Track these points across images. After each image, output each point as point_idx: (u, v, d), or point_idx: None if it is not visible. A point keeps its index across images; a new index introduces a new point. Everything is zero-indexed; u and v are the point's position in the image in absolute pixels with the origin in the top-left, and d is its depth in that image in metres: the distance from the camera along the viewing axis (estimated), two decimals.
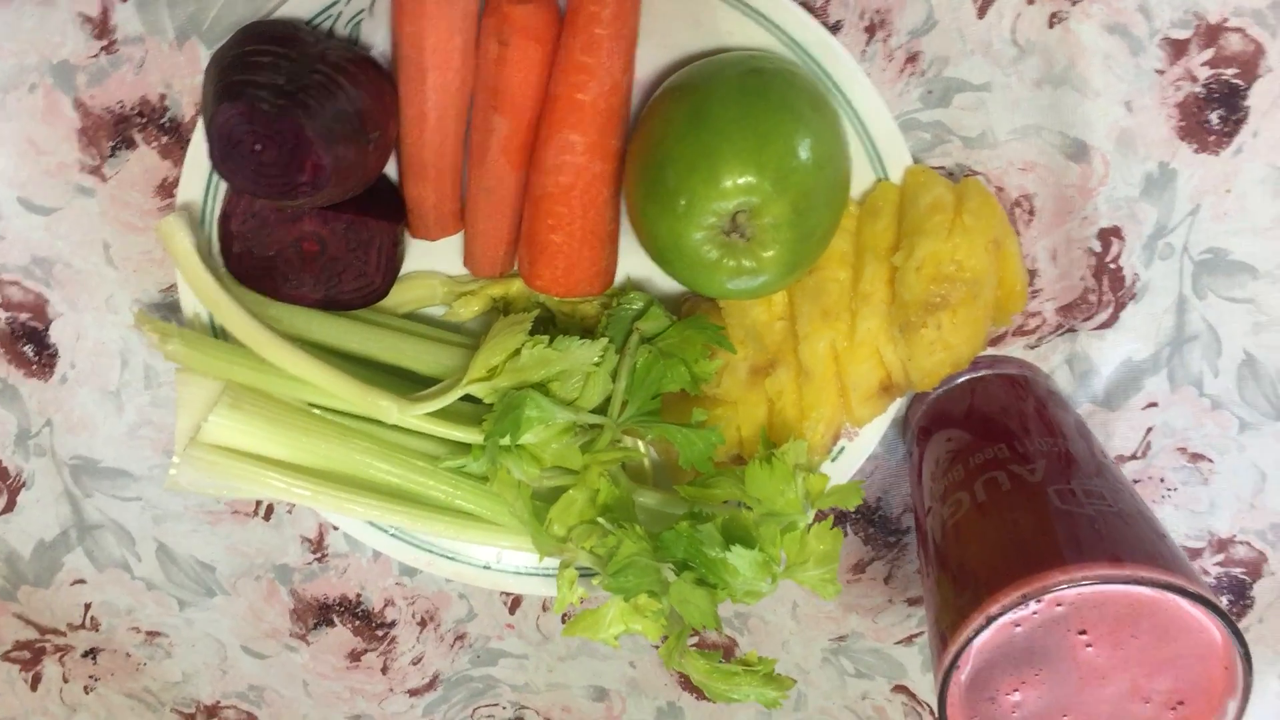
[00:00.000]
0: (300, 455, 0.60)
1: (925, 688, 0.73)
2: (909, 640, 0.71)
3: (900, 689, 0.73)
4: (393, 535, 0.65)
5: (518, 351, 0.57)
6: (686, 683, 0.74)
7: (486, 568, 0.66)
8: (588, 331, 0.61)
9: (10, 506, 0.70)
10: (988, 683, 0.51)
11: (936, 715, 0.52)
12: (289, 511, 0.70)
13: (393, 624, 0.73)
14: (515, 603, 0.72)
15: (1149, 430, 0.65)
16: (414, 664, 0.74)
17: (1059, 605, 0.49)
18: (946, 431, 0.61)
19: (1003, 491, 0.55)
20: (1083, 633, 0.50)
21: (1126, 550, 0.50)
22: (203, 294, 0.58)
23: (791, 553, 0.59)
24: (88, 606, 0.73)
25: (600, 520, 0.59)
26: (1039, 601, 0.49)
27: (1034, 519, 0.52)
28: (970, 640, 0.50)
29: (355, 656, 0.74)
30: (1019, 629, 0.50)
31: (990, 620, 0.49)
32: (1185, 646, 0.50)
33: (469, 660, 0.74)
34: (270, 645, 0.74)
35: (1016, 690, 0.51)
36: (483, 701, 0.75)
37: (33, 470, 0.69)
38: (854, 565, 0.69)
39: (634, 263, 0.61)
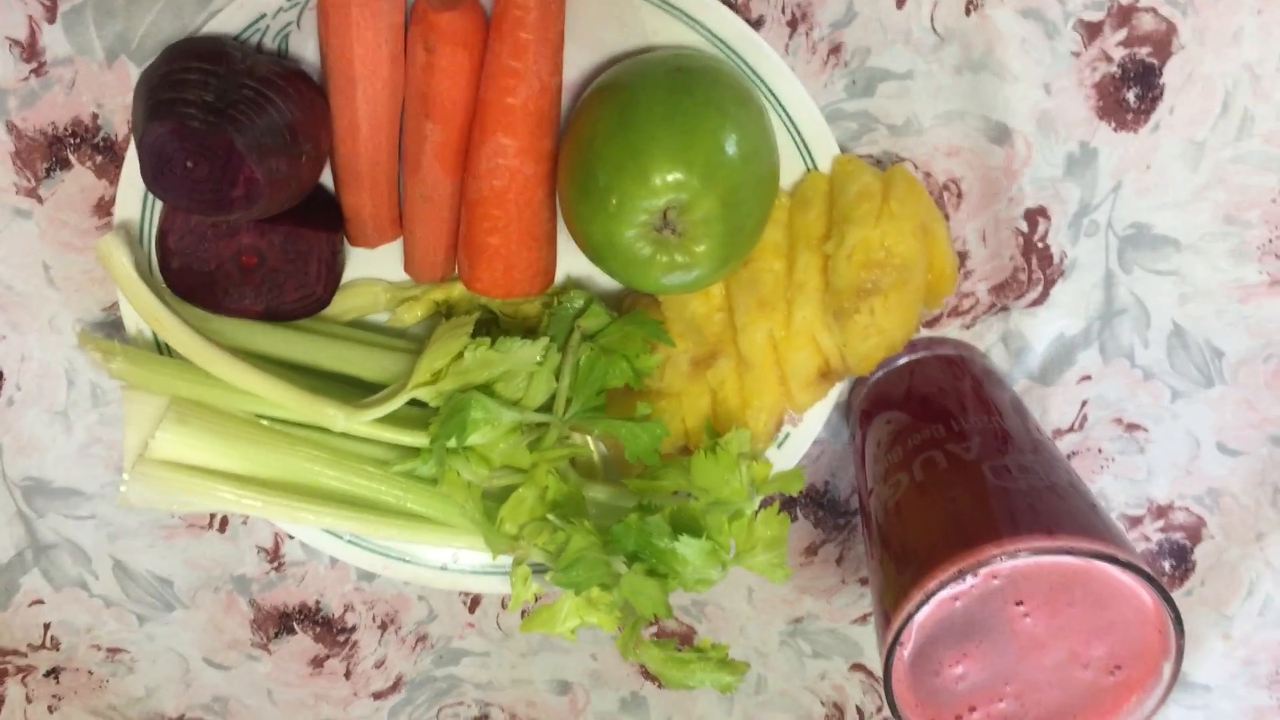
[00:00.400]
0: (250, 466, 0.60)
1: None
2: (863, 619, 0.72)
3: (858, 667, 0.74)
4: (348, 541, 0.66)
5: (461, 354, 0.58)
6: (647, 672, 0.75)
7: (443, 569, 0.66)
8: (530, 331, 0.62)
9: None
10: (931, 657, 0.52)
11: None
12: (244, 522, 0.70)
13: (353, 629, 0.73)
14: (475, 602, 0.73)
15: (1084, 403, 0.66)
16: (377, 667, 0.74)
17: (995, 578, 0.51)
18: (886, 414, 0.62)
19: (940, 470, 0.56)
20: (1020, 604, 0.51)
21: (1059, 522, 0.51)
22: (144, 311, 0.59)
23: (740, 540, 0.60)
24: (47, 626, 0.73)
25: (550, 517, 0.60)
26: (975, 576, 0.50)
27: (970, 496, 0.54)
28: (911, 617, 0.51)
29: (318, 663, 0.74)
30: (958, 603, 0.51)
31: (929, 596, 0.50)
32: (1120, 613, 0.51)
33: (431, 661, 0.74)
34: (232, 656, 0.74)
35: (959, 663, 0.53)
36: (447, 701, 0.76)
37: None
38: (806, 548, 0.70)
39: (574, 262, 0.62)
